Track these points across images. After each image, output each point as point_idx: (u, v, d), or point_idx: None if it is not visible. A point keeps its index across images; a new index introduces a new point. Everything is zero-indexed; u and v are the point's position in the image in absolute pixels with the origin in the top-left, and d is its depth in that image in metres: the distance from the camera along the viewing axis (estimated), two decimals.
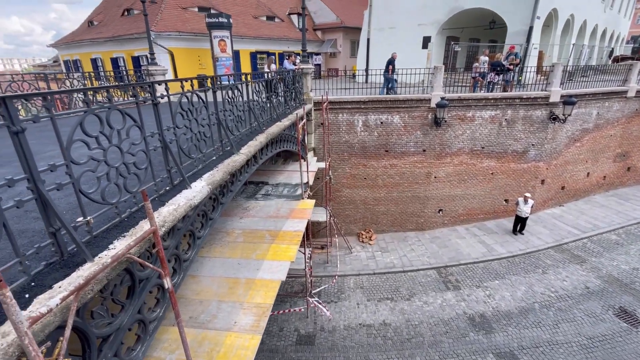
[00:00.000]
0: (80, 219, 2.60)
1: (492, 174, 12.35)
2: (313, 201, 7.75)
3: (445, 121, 11.29)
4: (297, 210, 7.26)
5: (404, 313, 8.96)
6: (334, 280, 10.44)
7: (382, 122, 11.47)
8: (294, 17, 24.72)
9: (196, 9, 18.91)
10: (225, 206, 4.89)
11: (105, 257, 2.46)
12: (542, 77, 13.41)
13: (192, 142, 4.12)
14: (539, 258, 10.91)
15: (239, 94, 5.56)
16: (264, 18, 22.60)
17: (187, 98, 3.95)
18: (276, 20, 23.33)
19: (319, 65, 25.68)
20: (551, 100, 11.43)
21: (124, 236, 2.76)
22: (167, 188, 3.64)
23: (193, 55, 18.46)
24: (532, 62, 14.05)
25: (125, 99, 11.60)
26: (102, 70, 20.61)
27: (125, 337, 2.79)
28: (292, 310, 9.17)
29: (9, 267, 2.06)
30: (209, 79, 4.54)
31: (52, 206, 2.26)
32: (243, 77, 5.99)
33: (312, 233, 10.91)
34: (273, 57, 10.72)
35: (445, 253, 11.36)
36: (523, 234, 12.02)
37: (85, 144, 2.58)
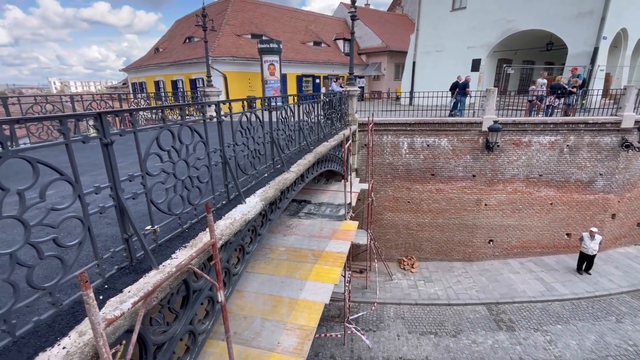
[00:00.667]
0: (148, 227, 2.74)
1: (551, 204, 11.30)
2: (356, 223, 7.59)
3: (498, 146, 10.67)
4: (340, 231, 7.14)
5: (449, 351, 8.23)
6: (373, 308, 9.97)
7: (428, 145, 11.14)
8: (340, 42, 25.52)
9: (249, 36, 20.30)
10: (273, 222, 4.94)
11: (169, 265, 2.54)
12: (610, 101, 12.29)
13: (248, 159, 4.26)
14: (611, 303, 9.55)
15: (291, 114, 5.73)
16: (311, 43, 23.62)
17: (247, 117, 4.13)
18: (322, 45, 24.26)
19: (362, 87, 26.02)
20: (623, 126, 10.35)
21: (185, 247, 2.85)
22: (224, 202, 3.76)
23: (244, 78, 19.66)
24: (597, 84, 12.96)
25: (189, 116, 12.57)
26: (163, 91, 22.71)
27: (175, 347, 2.82)
28: (328, 335, 8.86)
29: (89, 268, 2.19)
30: (265, 99, 4.73)
31: (128, 214, 2.40)
32: (292, 98, 6.19)
33: (352, 256, 10.65)
34: (327, 80, 11.06)
35: (496, 288, 10.41)
36: (590, 274, 10.68)
37: (159, 157, 2.77)
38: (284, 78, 20.59)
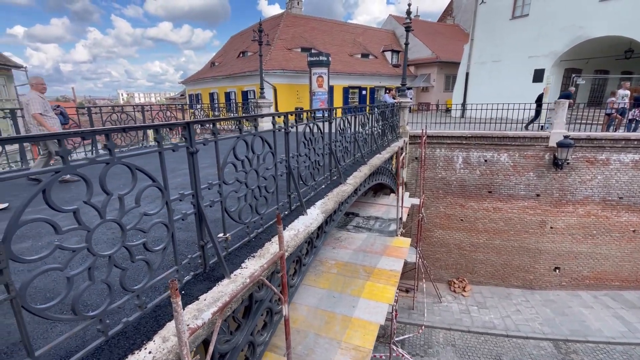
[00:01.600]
0: (221, 235, 2.78)
1: (633, 231, 9.89)
2: (408, 240, 7.24)
3: (568, 163, 9.65)
4: (392, 247, 6.84)
5: None
6: (420, 330, 9.38)
7: (486, 160, 10.42)
8: (388, 54, 25.32)
9: (299, 49, 20.93)
10: (327, 235, 4.85)
11: (241, 276, 2.53)
12: None
13: (309, 170, 4.23)
14: None
15: (348, 125, 5.66)
16: (359, 55, 23.72)
17: (310, 128, 4.12)
18: (370, 57, 24.25)
19: (410, 99, 25.47)
20: None
21: (253, 256, 2.84)
22: (286, 212, 3.74)
23: (292, 90, 20.22)
24: None
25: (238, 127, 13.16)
26: (216, 102, 24.15)
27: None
28: (372, 355, 8.45)
29: (170, 273, 2.25)
30: (326, 110, 4.71)
31: (206, 221, 2.45)
32: (336, 110, 6.13)
33: None
34: (390, 91, 11.03)
35: (564, 322, 9.25)
36: None
37: (234, 166, 2.82)
38: (330, 90, 20.83)
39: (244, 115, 2.79)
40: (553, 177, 9.93)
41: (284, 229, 3.42)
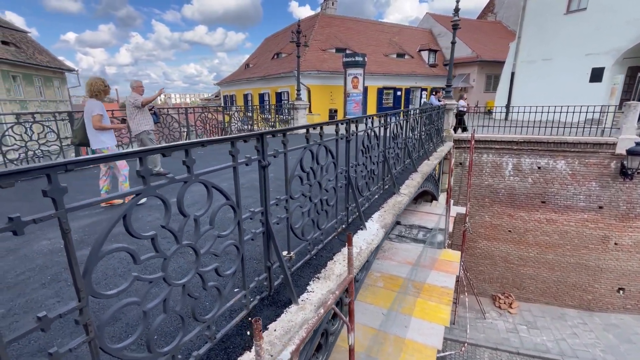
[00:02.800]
0: (285, 252, 2.56)
1: None
2: (458, 253, 6.75)
3: (639, 173, 8.64)
4: (441, 261, 6.38)
5: None
6: (463, 348, 8.78)
7: (539, 167, 9.59)
8: (425, 54, 24.45)
9: (334, 50, 20.69)
10: (379, 249, 4.53)
11: (309, 302, 2.29)
12: None
13: (365, 180, 3.95)
14: None
15: (401, 130, 5.31)
16: (394, 55, 23.07)
17: (367, 134, 3.83)
18: (406, 57, 23.52)
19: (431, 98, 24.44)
20: None
21: (318, 278, 2.60)
22: (343, 226, 3.48)
23: (326, 91, 20.02)
24: None
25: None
26: (250, 103, 24.50)
27: None
28: None
29: (238, 299, 2.06)
30: (382, 116, 4.40)
31: (275, 240, 2.23)
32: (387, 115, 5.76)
33: None
34: (437, 93, 10.49)
35: (630, 351, 8.27)
36: None
37: (300, 179, 2.60)
38: (365, 91, 20.41)
39: (312, 124, 2.58)
40: (620, 188, 8.93)
41: (344, 245, 3.15)
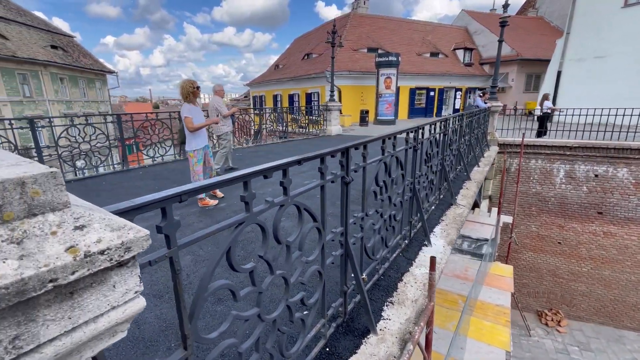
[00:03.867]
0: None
1: None
2: (510, 268, 6.27)
3: None
4: (492, 276, 5.95)
5: None
6: None
7: (597, 175, 8.81)
8: (459, 52, 23.49)
9: (365, 50, 20.33)
10: None
11: (388, 331, 2.07)
12: None
13: (426, 191, 3.67)
14: None
15: (456, 136, 4.97)
16: (428, 54, 22.35)
17: (430, 142, 3.55)
18: (440, 56, 22.71)
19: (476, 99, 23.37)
20: None
21: (392, 302, 2.37)
22: (406, 242, 3.23)
23: (357, 91, 19.71)
24: None
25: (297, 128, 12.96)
26: (280, 104, 24.61)
27: None
28: None
29: (317, 329, 1.87)
30: (451, 120, 4.10)
31: (354, 262, 2.03)
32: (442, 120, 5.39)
33: None
34: (485, 94, 9.84)
35: None
36: None
37: (374, 193, 2.38)
38: (397, 91, 19.92)
39: (388, 134, 2.35)
40: None
41: (412, 264, 2.90)
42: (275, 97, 25.39)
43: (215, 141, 6.14)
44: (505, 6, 9.18)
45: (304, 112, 14.33)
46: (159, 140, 7.18)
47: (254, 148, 9.57)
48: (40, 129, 5.66)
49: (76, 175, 6.17)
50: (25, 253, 0.41)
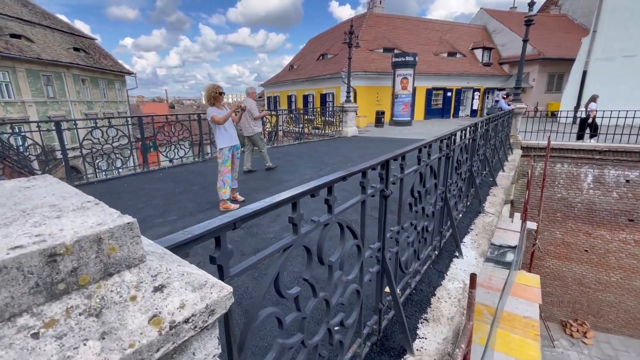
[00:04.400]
0: (387, 290, 2.26)
1: None
2: (537, 277, 6.03)
3: None
4: (517, 285, 5.72)
5: None
6: None
7: (628, 181, 8.39)
8: (478, 52, 22.94)
9: (381, 50, 20.10)
10: None
11: (425, 352, 1.96)
12: None
13: (455, 199, 3.52)
14: None
15: (482, 140, 4.79)
16: (445, 54, 21.91)
17: (461, 148, 3.41)
18: (457, 56, 22.23)
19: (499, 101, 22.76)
20: None
21: (426, 320, 2.26)
22: (436, 252, 3.10)
23: (372, 92, 19.50)
24: None
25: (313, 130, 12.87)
26: (294, 104, 24.62)
27: None
28: None
29: (355, 349, 1.79)
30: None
31: (391, 278, 1.93)
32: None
33: None
34: (508, 96, 9.31)
35: None
36: None
37: (409, 205, 2.27)
38: (413, 91, 19.61)
39: (424, 143, 2.23)
40: None
41: (444, 277, 2.77)
42: (289, 97, 25.42)
43: (247, 144, 6.35)
44: (531, 4, 8.85)
45: (319, 113, 14.21)
46: (178, 141, 7.24)
47: (271, 150, 9.52)
48: (65, 130, 5.77)
49: (96, 176, 6.28)
50: (106, 329, 0.34)
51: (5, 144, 10.10)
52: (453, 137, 2.93)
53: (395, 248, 2.09)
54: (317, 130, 13.47)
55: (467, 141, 3.62)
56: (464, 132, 3.39)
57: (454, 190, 3.38)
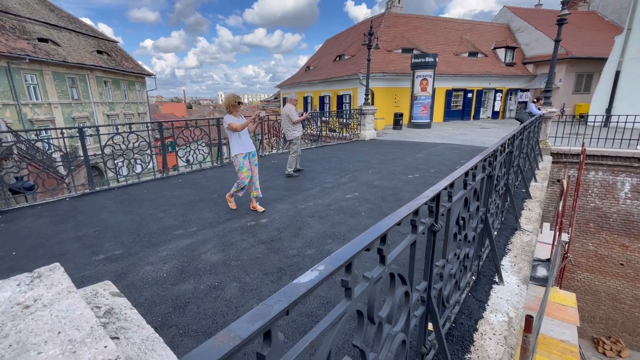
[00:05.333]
0: (430, 326, 2.05)
1: None
2: (573, 296, 5.62)
3: None
4: (552, 304, 5.35)
5: None
6: None
7: None
8: (500, 51, 22.16)
9: (400, 50, 19.69)
10: None
11: None
12: None
13: (493, 218, 3.26)
14: None
15: (517, 151, 4.47)
16: (466, 54, 21.27)
17: (501, 163, 3.14)
18: (479, 55, 21.54)
19: (524, 102, 21.93)
20: None
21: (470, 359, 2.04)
22: (474, 278, 2.86)
23: (390, 94, 19.14)
24: None
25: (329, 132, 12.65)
26: (310, 106, 24.48)
27: None
28: None
29: None
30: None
31: (438, 320, 1.72)
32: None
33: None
34: (538, 100, 8.71)
35: None
36: None
37: (458, 227, 2.05)
38: (432, 93, 19.12)
39: (469, 168, 2.04)
40: None
41: (485, 308, 2.52)
42: (305, 98, 25.31)
43: (287, 146, 6.78)
44: (564, 2, 8.37)
45: (335, 115, 13.94)
46: (197, 147, 7.21)
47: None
48: (88, 137, 5.79)
49: (118, 182, 6.29)
50: None
51: (32, 146, 10.35)
52: (496, 153, 2.68)
53: (439, 284, 1.88)
54: (334, 133, 13.26)
55: (505, 155, 3.34)
56: (504, 145, 3.12)
57: (492, 208, 3.12)
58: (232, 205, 4.71)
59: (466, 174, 2.01)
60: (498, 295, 2.68)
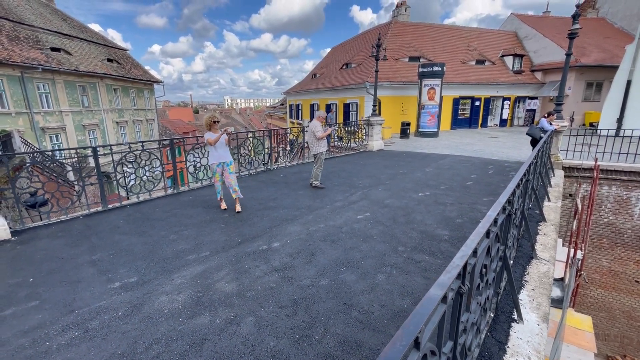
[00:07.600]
0: None
1: None
2: (589, 319, 5.51)
3: None
4: (569, 329, 5.23)
5: None
6: None
7: None
8: (508, 59, 22.05)
9: (407, 59, 19.70)
10: None
11: None
12: None
13: (510, 250, 3.21)
14: None
15: (534, 174, 4.41)
16: (473, 62, 21.21)
17: (518, 197, 3.09)
18: (486, 63, 21.46)
19: (533, 110, 21.77)
20: None
21: None
22: (491, 314, 2.81)
23: (397, 102, 19.12)
24: None
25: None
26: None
27: None
28: None
29: None
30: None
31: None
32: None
33: None
34: (550, 115, 8.52)
35: None
36: None
37: (481, 275, 2.02)
38: (439, 102, 19.07)
39: (497, 213, 2.04)
40: None
41: (505, 350, 2.47)
42: (312, 106, 25.39)
43: (314, 160, 7.01)
44: (576, 16, 8.31)
45: (341, 125, 13.87)
46: (207, 159, 7.25)
47: (296, 168, 9.42)
48: (101, 155, 5.86)
49: (129, 199, 6.34)
50: None
51: (46, 157, 10.52)
52: (516, 189, 2.64)
53: (462, 338, 1.85)
54: (341, 142, 13.26)
55: (522, 184, 3.30)
56: (523, 177, 3.08)
57: (510, 242, 3.08)
58: (223, 205, 5.65)
59: (495, 221, 1.98)
60: (518, 336, 2.63)
